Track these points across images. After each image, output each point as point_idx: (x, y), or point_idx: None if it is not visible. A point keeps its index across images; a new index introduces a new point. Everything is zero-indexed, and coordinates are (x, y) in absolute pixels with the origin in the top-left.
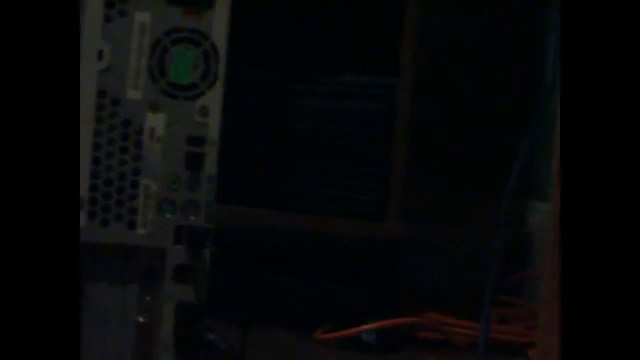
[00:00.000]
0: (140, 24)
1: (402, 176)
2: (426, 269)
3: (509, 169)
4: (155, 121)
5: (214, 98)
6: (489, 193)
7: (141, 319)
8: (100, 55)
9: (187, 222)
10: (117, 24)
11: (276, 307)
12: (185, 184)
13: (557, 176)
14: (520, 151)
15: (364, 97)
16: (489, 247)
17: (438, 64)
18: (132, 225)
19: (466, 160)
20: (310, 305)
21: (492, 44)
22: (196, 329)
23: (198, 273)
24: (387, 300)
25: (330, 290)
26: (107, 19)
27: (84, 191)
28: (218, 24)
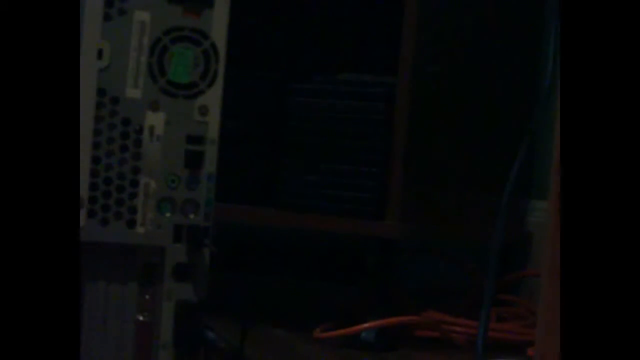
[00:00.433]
0: (140, 22)
1: (401, 175)
2: (425, 268)
3: (509, 169)
4: (155, 120)
5: (213, 97)
6: (489, 193)
7: (141, 318)
8: (100, 54)
9: (187, 221)
10: (116, 22)
11: (275, 306)
12: (184, 183)
13: (557, 176)
14: (520, 151)
15: (363, 96)
16: (488, 247)
17: (437, 63)
18: (131, 224)
19: (466, 159)
20: (309, 304)
21: (492, 44)
22: (195, 328)
23: (197, 271)
24: (386, 299)
25: (329, 289)
26: (107, 18)
27: (83, 190)
28: (218, 23)
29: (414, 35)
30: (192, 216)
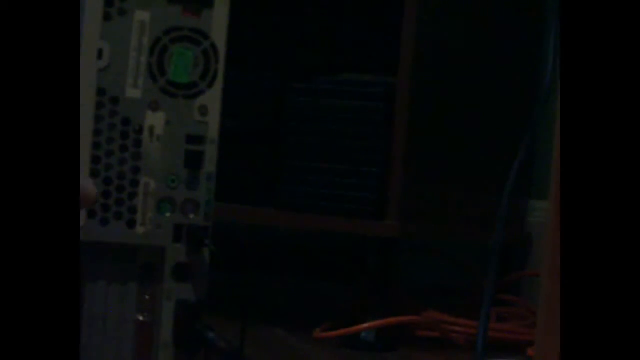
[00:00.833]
0: (140, 22)
1: (401, 175)
2: (425, 268)
3: (509, 169)
4: (155, 120)
5: (213, 97)
6: (489, 193)
7: (141, 318)
8: (100, 54)
9: (187, 221)
10: (116, 22)
11: (275, 306)
12: (184, 183)
13: (557, 176)
14: (520, 151)
15: (363, 96)
16: (488, 247)
17: (437, 63)
18: (131, 224)
19: (466, 159)
20: (309, 304)
21: (492, 43)
22: (195, 328)
23: (197, 272)
24: (386, 299)
25: (329, 289)
26: (107, 18)
27: None
28: (218, 23)
29: (414, 35)
30: (192, 216)
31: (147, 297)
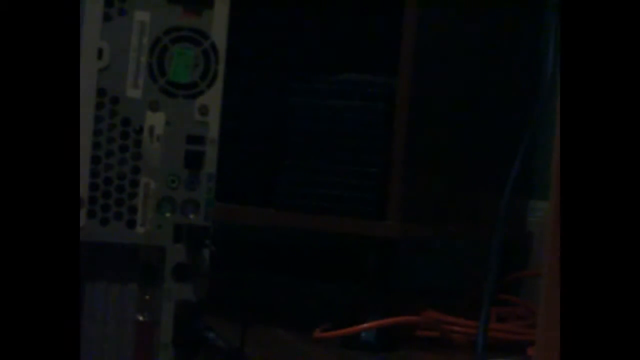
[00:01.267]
0: (140, 22)
1: (401, 175)
2: (425, 268)
3: (509, 169)
4: (155, 120)
5: (213, 97)
6: (489, 192)
7: (141, 318)
8: (100, 54)
9: (187, 221)
10: (116, 22)
11: (275, 306)
12: (184, 183)
13: (557, 176)
14: (520, 151)
15: (363, 96)
16: (488, 246)
17: (437, 63)
18: (131, 224)
19: (466, 159)
20: (309, 304)
21: (492, 43)
22: (195, 328)
23: (197, 272)
24: (386, 299)
25: (329, 289)
26: (107, 18)
27: (83, 190)
28: (218, 23)
29: (414, 35)
30: (192, 216)
31: (147, 297)
